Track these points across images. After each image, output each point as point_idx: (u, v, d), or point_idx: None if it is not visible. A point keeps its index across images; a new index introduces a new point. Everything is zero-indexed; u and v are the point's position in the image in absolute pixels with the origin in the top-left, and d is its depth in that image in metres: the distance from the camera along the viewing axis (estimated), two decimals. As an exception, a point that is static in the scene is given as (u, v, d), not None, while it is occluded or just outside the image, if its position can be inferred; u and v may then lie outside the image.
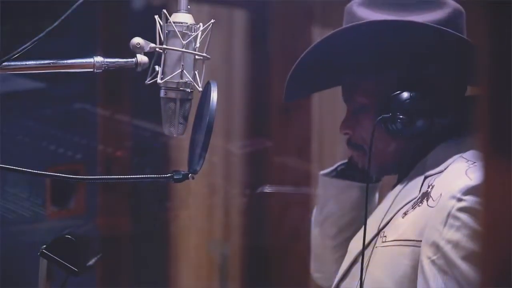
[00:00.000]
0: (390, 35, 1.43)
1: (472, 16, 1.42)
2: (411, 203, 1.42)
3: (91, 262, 1.40)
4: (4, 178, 2.21)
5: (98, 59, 1.26)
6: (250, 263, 2.62)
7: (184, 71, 1.26)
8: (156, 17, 1.27)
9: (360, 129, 1.50)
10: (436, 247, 1.31)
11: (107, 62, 1.27)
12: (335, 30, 1.46)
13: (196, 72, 1.28)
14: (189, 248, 2.59)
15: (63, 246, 1.34)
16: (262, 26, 2.59)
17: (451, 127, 1.47)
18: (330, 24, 1.48)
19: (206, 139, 1.23)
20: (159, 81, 1.26)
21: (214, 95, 1.25)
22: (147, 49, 1.27)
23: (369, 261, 1.42)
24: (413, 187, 1.45)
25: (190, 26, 1.27)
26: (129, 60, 1.27)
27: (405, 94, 1.42)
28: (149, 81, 1.27)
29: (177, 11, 1.28)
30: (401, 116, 1.41)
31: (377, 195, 1.67)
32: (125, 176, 1.33)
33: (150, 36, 1.27)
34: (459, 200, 1.31)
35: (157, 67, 1.27)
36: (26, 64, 1.24)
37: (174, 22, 1.26)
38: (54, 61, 1.25)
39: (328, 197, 1.66)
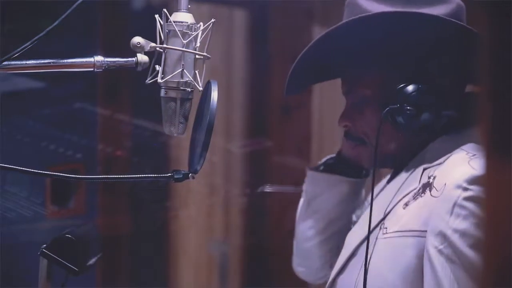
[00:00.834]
0: (399, 26, 1.43)
1: (471, 12, 1.43)
2: (411, 194, 1.42)
3: (91, 262, 1.40)
4: (4, 177, 2.21)
5: (99, 58, 1.26)
6: (250, 263, 2.62)
7: (185, 70, 1.26)
8: (157, 16, 1.26)
9: (362, 121, 1.50)
10: (443, 237, 1.32)
11: (107, 61, 1.26)
12: (343, 21, 1.46)
13: (196, 72, 1.28)
14: (189, 248, 2.59)
15: (63, 246, 1.34)
16: (262, 25, 2.59)
17: (451, 120, 1.47)
18: (330, 24, 1.48)
19: (206, 138, 1.23)
20: (159, 80, 1.26)
21: (214, 95, 1.25)
22: (147, 48, 1.27)
23: (371, 254, 1.42)
24: (412, 179, 1.45)
25: (191, 25, 1.27)
26: (129, 59, 1.27)
27: (413, 86, 1.42)
28: (149, 80, 1.27)
29: (177, 10, 1.28)
30: (408, 108, 1.42)
31: (363, 191, 1.67)
32: (125, 176, 1.33)
33: (150, 35, 1.27)
34: (465, 189, 1.32)
35: (157, 67, 1.27)
36: (26, 64, 1.24)
37: (174, 22, 1.26)
38: (54, 61, 1.25)
39: (317, 192, 1.66)
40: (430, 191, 1.39)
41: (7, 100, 2.18)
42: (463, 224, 1.31)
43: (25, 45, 1.22)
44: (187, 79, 1.26)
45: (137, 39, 1.26)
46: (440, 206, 1.34)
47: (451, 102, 1.46)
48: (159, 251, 2.58)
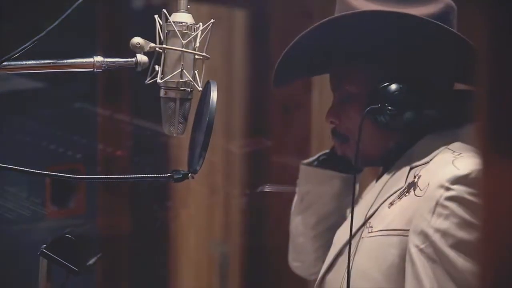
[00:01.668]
0: (382, 25, 1.43)
1: (465, 11, 1.43)
2: (397, 193, 1.43)
3: (91, 262, 1.40)
4: (4, 177, 2.21)
5: (98, 58, 1.26)
6: (250, 263, 2.62)
7: (184, 70, 1.26)
8: (156, 16, 1.27)
9: (346, 119, 1.51)
10: (425, 236, 1.32)
11: (107, 61, 1.27)
12: (332, 17, 1.46)
13: (196, 72, 1.28)
14: (189, 248, 2.59)
15: (63, 246, 1.34)
16: (262, 25, 2.59)
17: (437, 119, 1.47)
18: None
19: (206, 138, 1.23)
20: (159, 80, 1.26)
21: (214, 95, 1.25)
22: (147, 48, 1.27)
23: (355, 252, 1.43)
24: (399, 178, 1.45)
25: (190, 25, 1.27)
26: (129, 59, 1.27)
27: (394, 86, 1.42)
28: (149, 80, 1.27)
29: (177, 10, 1.28)
30: (389, 108, 1.41)
31: (357, 186, 1.67)
32: (125, 176, 1.33)
33: (150, 35, 1.27)
34: (447, 189, 1.32)
35: (157, 67, 1.27)
36: (26, 64, 1.24)
37: (174, 22, 1.26)
38: (54, 61, 1.25)
39: (310, 187, 1.67)
40: (414, 190, 1.39)
41: (7, 100, 2.18)
42: (445, 224, 1.31)
43: (25, 45, 1.22)
44: (186, 79, 1.26)
45: (137, 40, 1.27)
46: (423, 205, 1.34)
47: (436, 100, 1.46)
48: (159, 251, 2.58)
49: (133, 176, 1.36)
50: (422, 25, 1.41)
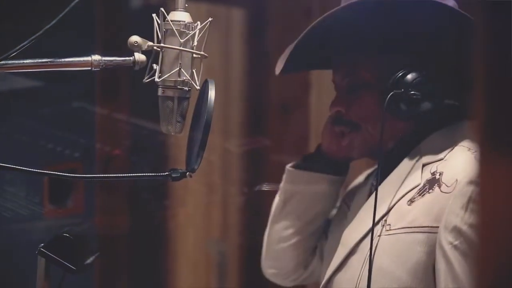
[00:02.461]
0: (397, 12, 1.42)
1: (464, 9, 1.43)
2: (415, 190, 1.42)
3: (89, 261, 1.40)
4: (2, 177, 2.20)
5: (96, 57, 1.26)
6: (247, 261, 2.62)
7: (182, 69, 1.26)
8: (154, 15, 1.26)
9: (358, 105, 1.49)
10: (458, 232, 1.30)
11: (104, 60, 1.26)
12: (343, 4, 1.45)
13: (193, 71, 1.28)
14: (187, 247, 2.59)
15: (61, 245, 1.34)
16: (260, 24, 2.59)
17: (446, 113, 1.47)
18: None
19: (204, 137, 1.23)
20: (156, 79, 1.26)
21: (211, 94, 1.25)
22: (144, 47, 1.27)
23: (374, 251, 1.41)
24: (413, 175, 1.44)
25: (188, 24, 1.27)
26: (127, 58, 1.27)
27: (417, 72, 1.41)
28: (147, 79, 1.27)
29: (174, 9, 1.28)
30: (413, 93, 1.41)
31: (341, 190, 1.66)
32: (123, 175, 1.33)
33: (148, 34, 1.27)
34: (479, 184, 1.31)
35: (154, 66, 1.27)
36: (23, 63, 1.24)
37: (171, 21, 1.26)
38: (51, 60, 1.25)
39: (295, 191, 1.65)
40: (439, 187, 1.38)
41: (5, 100, 2.18)
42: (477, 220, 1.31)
43: (23, 44, 1.22)
44: (184, 78, 1.26)
45: (135, 38, 1.27)
46: (453, 201, 1.32)
47: (448, 92, 1.45)
48: (157, 250, 2.58)
49: (131, 175, 1.36)
50: (439, 11, 1.41)
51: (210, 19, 1.28)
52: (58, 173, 1.35)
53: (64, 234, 1.35)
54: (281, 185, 1.68)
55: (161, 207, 2.55)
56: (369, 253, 1.40)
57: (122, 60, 1.27)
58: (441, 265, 1.32)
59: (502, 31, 0.68)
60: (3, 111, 2.14)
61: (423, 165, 1.44)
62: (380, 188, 1.47)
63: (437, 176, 1.40)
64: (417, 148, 1.47)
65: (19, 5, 2.14)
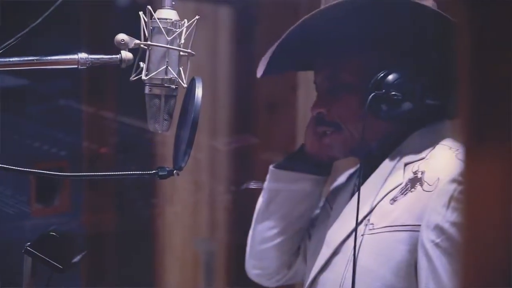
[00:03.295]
0: (378, 13, 1.42)
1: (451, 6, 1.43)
2: (397, 189, 1.42)
3: (76, 259, 1.40)
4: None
5: (82, 55, 1.26)
6: (235, 260, 2.62)
7: (169, 67, 1.26)
8: (141, 13, 1.26)
9: (339, 106, 1.49)
10: (440, 230, 1.30)
11: (91, 58, 1.26)
12: (321, 8, 1.45)
13: (181, 69, 1.28)
14: (174, 245, 2.59)
15: (47, 243, 1.33)
16: (248, 22, 2.59)
17: (428, 112, 1.47)
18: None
19: (191, 135, 1.23)
20: (143, 77, 1.26)
21: (199, 92, 1.25)
22: (131, 45, 1.26)
23: (358, 251, 1.41)
24: (395, 174, 1.45)
25: (175, 22, 1.27)
26: (113, 56, 1.27)
27: (398, 72, 1.41)
28: (133, 77, 1.27)
29: (161, 7, 1.28)
30: (394, 93, 1.41)
31: (323, 190, 1.66)
32: (110, 173, 1.32)
33: (135, 32, 1.27)
34: (461, 183, 1.30)
35: (141, 64, 1.27)
36: (9, 61, 1.24)
37: (158, 19, 1.26)
38: (38, 58, 1.25)
39: (278, 191, 1.65)
40: (421, 186, 1.39)
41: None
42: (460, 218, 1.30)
43: (8, 42, 1.21)
44: (171, 76, 1.26)
45: (121, 36, 1.26)
46: (435, 200, 1.32)
47: (429, 92, 1.45)
48: (144, 249, 2.57)
49: (118, 173, 1.35)
50: (418, 12, 1.41)
51: (197, 17, 1.28)
52: (45, 172, 1.34)
53: (51, 233, 1.34)
54: (265, 185, 1.69)
55: (149, 205, 2.55)
56: (353, 252, 1.41)
57: (109, 58, 1.27)
58: (423, 263, 1.33)
59: (486, 26, 0.68)
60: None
61: (405, 164, 1.44)
62: (362, 188, 1.47)
63: (419, 175, 1.40)
64: (399, 147, 1.47)
65: (4, 3, 2.13)
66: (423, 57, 1.45)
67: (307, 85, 2.44)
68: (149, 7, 1.26)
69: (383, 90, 1.41)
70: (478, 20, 0.68)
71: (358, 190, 1.43)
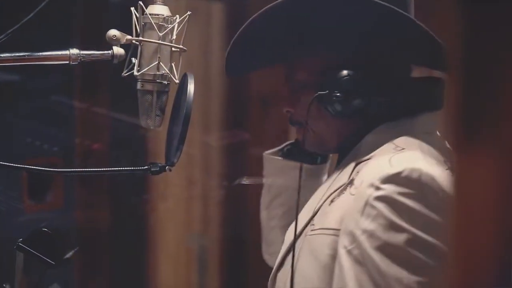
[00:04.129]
0: (335, 11, 1.39)
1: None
2: (339, 190, 1.37)
3: (68, 255, 1.40)
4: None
5: (74, 51, 1.26)
6: (228, 255, 2.62)
7: (161, 63, 1.26)
8: (132, 9, 1.26)
9: (301, 106, 1.46)
10: (353, 237, 1.26)
11: (83, 54, 1.26)
12: (271, 4, 1.41)
13: (173, 64, 1.28)
14: (167, 241, 2.59)
15: (39, 239, 1.33)
16: (240, 18, 2.58)
17: (393, 108, 1.42)
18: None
19: (183, 131, 1.23)
20: (135, 73, 1.26)
21: (191, 87, 1.25)
22: (123, 41, 1.26)
23: (300, 251, 1.37)
24: (344, 174, 1.40)
25: (167, 18, 1.27)
26: (105, 52, 1.27)
27: (342, 72, 1.38)
28: (125, 73, 1.27)
29: (153, 3, 1.28)
30: (337, 94, 1.38)
31: (325, 177, 1.64)
32: (103, 169, 1.32)
33: (126, 28, 1.27)
34: (377, 188, 1.26)
35: (133, 59, 1.27)
36: (0, 57, 1.23)
37: (150, 14, 1.26)
38: (29, 54, 1.25)
39: (274, 178, 1.64)
40: (350, 188, 1.34)
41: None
42: (372, 225, 1.24)
43: (-1, 37, 1.21)
44: (163, 72, 1.26)
45: (113, 32, 1.26)
46: (354, 204, 1.28)
47: (391, 88, 1.41)
48: (137, 244, 2.57)
49: (111, 169, 1.36)
50: (375, 10, 1.36)
51: (189, 12, 1.28)
52: (37, 168, 1.34)
53: (43, 229, 1.34)
54: (263, 172, 1.68)
55: (141, 201, 2.54)
56: (296, 252, 1.37)
57: (101, 54, 1.27)
58: (336, 270, 1.28)
59: (474, 21, 0.68)
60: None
61: (356, 164, 1.39)
62: (320, 187, 1.45)
63: (354, 177, 1.35)
64: (358, 146, 1.43)
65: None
66: (379, 55, 1.40)
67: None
68: (140, 2, 1.26)
69: (327, 91, 1.39)
70: (468, 16, 0.69)
71: (298, 190, 1.38)
